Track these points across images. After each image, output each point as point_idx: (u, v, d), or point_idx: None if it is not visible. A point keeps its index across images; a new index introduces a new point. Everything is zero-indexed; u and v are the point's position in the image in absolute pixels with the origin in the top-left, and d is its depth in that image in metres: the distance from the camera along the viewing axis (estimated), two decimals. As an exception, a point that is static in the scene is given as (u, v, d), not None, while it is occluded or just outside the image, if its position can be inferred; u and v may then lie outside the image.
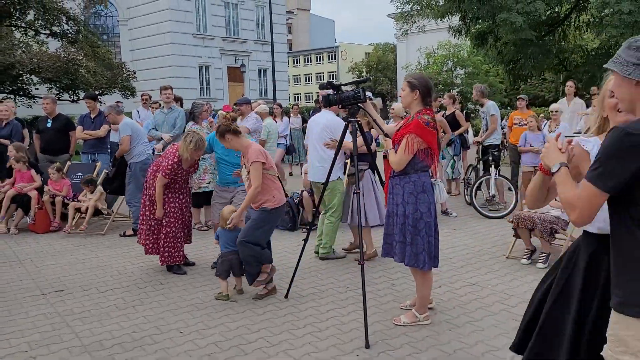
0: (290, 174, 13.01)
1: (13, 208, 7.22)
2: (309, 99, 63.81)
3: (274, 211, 4.56)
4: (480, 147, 8.57)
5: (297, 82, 70.39)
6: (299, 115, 14.39)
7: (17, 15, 16.75)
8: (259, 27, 34.87)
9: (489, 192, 8.10)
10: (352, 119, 4.30)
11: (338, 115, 5.81)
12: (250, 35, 34.42)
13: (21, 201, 7.20)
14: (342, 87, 4.41)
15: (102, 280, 5.21)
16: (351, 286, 4.88)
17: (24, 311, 4.44)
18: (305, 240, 4.69)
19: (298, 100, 63.18)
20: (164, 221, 5.28)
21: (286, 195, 7.54)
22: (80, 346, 3.76)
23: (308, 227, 4.84)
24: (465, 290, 4.70)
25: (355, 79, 4.63)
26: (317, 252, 5.82)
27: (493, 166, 8.00)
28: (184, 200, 5.42)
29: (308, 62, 69.82)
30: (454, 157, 9.06)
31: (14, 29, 18.03)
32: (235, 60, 33.08)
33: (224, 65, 33.21)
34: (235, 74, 33.24)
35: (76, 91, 17.41)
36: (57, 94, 17.48)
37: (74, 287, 5.02)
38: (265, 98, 28.63)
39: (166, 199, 5.29)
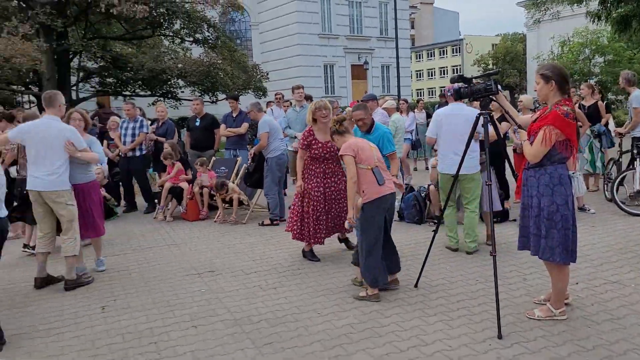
0: (415, 169, 13.06)
1: (169, 198, 8.13)
2: (432, 94, 62.64)
3: (366, 207, 4.54)
4: (623, 139, 8.00)
5: (420, 77, 69.40)
6: (424, 111, 14.35)
7: (165, 25, 18.53)
8: (382, 24, 35.04)
9: (634, 188, 7.55)
10: (484, 112, 4.33)
11: None
12: (374, 33, 34.70)
13: (175, 192, 8.09)
14: (474, 80, 4.46)
15: (246, 264, 5.74)
16: (481, 279, 4.90)
17: (183, 287, 5.06)
18: (435, 231, 4.81)
19: (421, 95, 62.30)
20: (304, 202, 5.67)
21: (412, 190, 7.70)
22: (232, 320, 4.23)
23: (435, 220, 4.94)
24: (605, 288, 4.51)
25: (487, 72, 4.63)
26: (449, 247, 5.89)
27: (638, 160, 7.44)
28: (327, 185, 5.61)
29: (431, 56, 68.54)
30: (602, 150, 8.54)
31: (163, 38, 19.96)
32: (359, 58, 33.57)
33: (347, 63, 33.87)
34: (359, 72, 33.75)
35: (215, 93, 18.89)
36: (199, 96, 19.09)
37: (223, 269, 5.59)
38: (388, 94, 28.73)
39: (307, 179, 5.66)
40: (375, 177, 4.51)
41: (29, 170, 5.06)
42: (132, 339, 3.94)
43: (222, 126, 8.88)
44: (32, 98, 22.58)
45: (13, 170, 7.17)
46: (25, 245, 6.40)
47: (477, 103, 4.83)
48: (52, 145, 4.98)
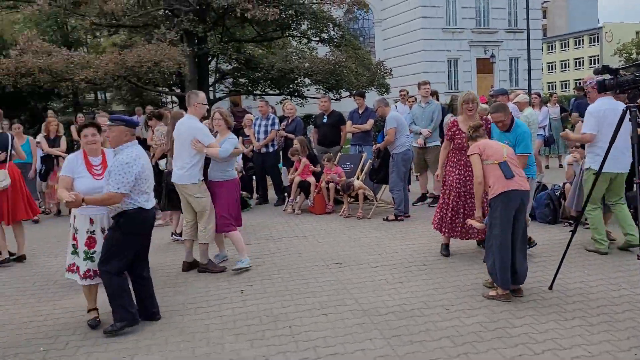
0: (547, 166, 12.32)
1: (298, 192, 8.51)
2: (565, 87, 58.41)
3: (492, 202, 4.44)
4: None
5: (552, 69, 65.02)
6: (558, 105, 13.49)
7: (293, 26, 19.31)
8: (510, 15, 33.38)
9: None
10: (632, 105, 4.03)
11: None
12: (501, 24, 33.17)
13: (303, 186, 8.45)
14: (620, 71, 4.16)
15: (372, 257, 5.86)
16: (625, 284, 4.57)
17: (313, 277, 5.30)
18: (573, 232, 4.57)
19: (552, 88, 58.32)
20: (445, 193, 5.73)
21: (544, 188, 7.31)
22: (360, 310, 4.37)
23: (571, 221, 4.68)
24: None
25: (635, 62, 4.30)
26: (597, 250, 5.55)
27: None
28: (468, 178, 5.51)
29: (565, 47, 63.91)
30: None
31: (291, 38, 20.82)
32: (485, 51, 32.30)
33: (472, 57, 32.74)
34: (485, 65, 32.47)
35: (339, 90, 19.31)
36: (325, 93, 19.62)
37: (350, 261, 5.76)
38: (517, 88, 27.32)
39: (448, 171, 5.72)
40: (502, 171, 4.40)
41: (173, 164, 5.66)
42: (268, 321, 4.23)
43: (348, 122, 9.08)
44: (175, 98, 24.74)
45: (162, 163, 7.97)
46: (173, 233, 7.07)
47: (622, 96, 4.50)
48: (184, 142, 5.47)
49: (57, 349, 3.91)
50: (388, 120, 7.52)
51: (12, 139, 6.61)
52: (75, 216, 4.26)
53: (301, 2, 17.38)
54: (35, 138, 9.14)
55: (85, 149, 4.33)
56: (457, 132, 5.70)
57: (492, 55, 31.50)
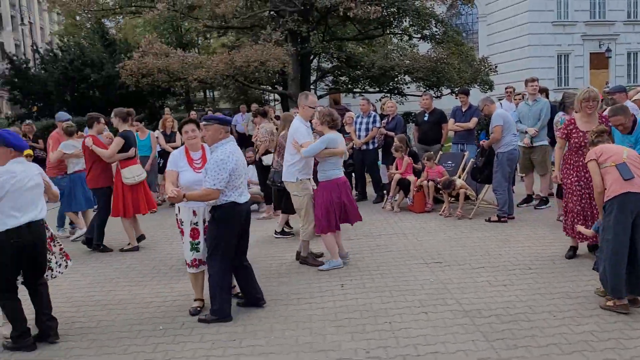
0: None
1: (397, 190, 8.51)
2: (697, 83, 52.83)
3: (607, 205, 4.21)
4: None
5: (680, 63, 59.07)
6: (686, 103, 12.29)
7: (395, 23, 19.22)
8: (630, 6, 30.82)
9: None
10: None
11: None
12: (619, 16, 30.72)
13: (403, 184, 8.44)
14: None
15: (473, 258, 5.75)
16: None
17: (412, 275, 5.30)
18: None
19: (680, 85, 53.00)
20: (566, 196, 5.55)
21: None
22: (461, 311, 4.33)
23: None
24: None
25: None
26: None
27: None
28: (589, 179, 5.11)
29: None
30: None
31: (392, 36, 20.74)
32: (600, 45, 30.10)
33: (585, 51, 30.64)
34: (599, 60, 30.27)
35: (440, 88, 18.94)
36: (424, 91, 19.36)
37: (450, 261, 5.69)
38: (636, 85, 25.19)
39: (565, 173, 5.52)
40: (619, 172, 4.16)
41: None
42: (368, 316, 4.32)
43: (451, 120, 8.92)
44: (277, 96, 25.56)
45: (266, 159, 8.32)
46: (276, 231, 7.26)
47: None
48: (288, 141, 5.78)
49: (174, 329, 4.26)
50: (494, 117, 7.30)
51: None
52: (179, 208, 4.52)
53: (406, -1, 17.25)
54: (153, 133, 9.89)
55: (186, 145, 4.62)
56: (573, 131, 5.45)
57: (608, 50, 29.31)
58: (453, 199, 8.05)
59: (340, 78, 22.81)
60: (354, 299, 4.72)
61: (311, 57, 19.36)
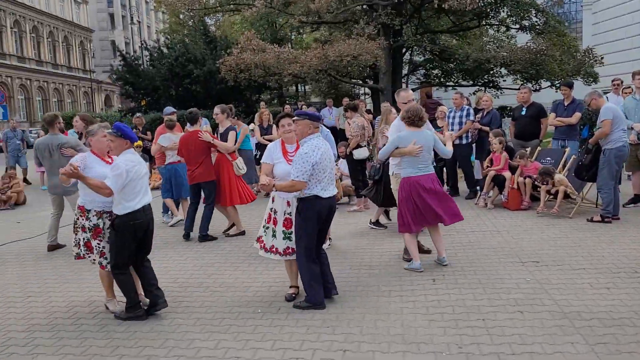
0: None
1: (491, 186, 8.29)
2: None
3: None
4: None
5: None
6: None
7: (491, 14, 18.56)
8: None
9: None
10: None
11: None
12: None
13: (498, 180, 8.21)
14: None
15: (573, 259, 5.51)
16: None
17: (507, 273, 5.18)
18: None
19: None
20: None
21: None
22: (559, 312, 4.19)
23: None
24: None
25: None
26: None
27: None
28: None
29: None
30: None
31: (488, 27, 20.06)
32: None
33: None
34: None
35: (538, 80, 18.06)
36: (521, 84, 18.55)
37: (548, 261, 5.50)
38: None
39: None
40: None
41: None
42: (461, 312, 4.30)
43: (552, 115, 8.54)
44: (367, 90, 25.59)
45: (357, 153, 8.42)
46: (371, 221, 7.37)
47: None
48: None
49: (271, 312, 4.48)
50: (603, 111, 6.88)
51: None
52: (274, 199, 4.72)
53: (504, -12, 16.59)
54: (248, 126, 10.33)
55: (282, 138, 4.83)
56: None
57: None
58: (551, 196, 7.72)
59: (433, 71, 22.43)
60: (445, 294, 4.71)
61: (403, 51, 19.18)
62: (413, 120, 5.41)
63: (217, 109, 7.44)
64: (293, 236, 4.59)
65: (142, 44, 24.16)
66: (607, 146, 6.89)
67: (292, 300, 4.71)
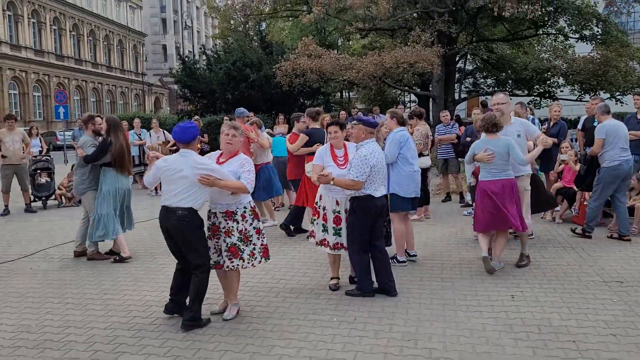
0: None
1: (560, 200, 7.98)
2: None
3: None
4: None
5: None
6: None
7: (549, 23, 18.05)
8: None
9: None
10: None
11: None
12: None
13: (567, 194, 7.91)
14: None
15: (660, 281, 5.23)
16: None
17: (591, 293, 4.92)
18: None
19: None
20: None
21: None
22: (656, 337, 3.95)
23: None
24: None
25: None
26: None
27: None
28: None
29: None
30: None
31: (545, 36, 19.52)
32: None
33: None
34: None
35: (597, 92, 17.40)
36: (579, 96, 17.95)
37: (633, 281, 5.21)
38: None
39: None
40: None
41: None
42: (547, 332, 4.10)
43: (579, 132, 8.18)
44: (414, 97, 25.32)
45: (419, 162, 8.25)
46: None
47: None
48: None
49: (348, 322, 4.39)
50: (597, 129, 6.84)
51: None
52: (321, 197, 5.11)
53: (565, -3, 16.07)
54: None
55: (331, 143, 5.18)
56: None
57: None
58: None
59: (484, 80, 21.98)
60: (528, 312, 4.52)
61: (456, 59, 18.87)
62: (487, 128, 5.68)
63: (305, 113, 7.71)
64: (342, 232, 5.00)
65: (201, 48, 24.62)
66: (603, 164, 6.73)
67: (336, 289, 5.15)
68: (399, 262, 5.91)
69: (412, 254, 6.11)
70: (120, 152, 6.27)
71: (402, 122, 6.23)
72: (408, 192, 5.87)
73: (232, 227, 4.37)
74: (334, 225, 5.02)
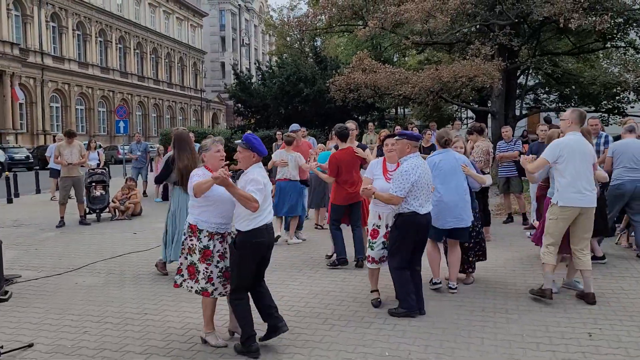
0: None
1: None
2: None
3: None
4: None
5: None
6: None
7: (618, 36, 17.05)
8: None
9: None
10: None
11: None
12: None
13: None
14: None
15: None
16: None
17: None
18: None
19: None
20: None
21: None
22: None
23: None
24: None
25: None
26: None
27: None
28: None
29: None
30: None
31: (614, 49, 18.46)
32: None
33: None
34: None
35: (671, 106, 16.21)
36: (653, 111, 16.74)
37: None
38: None
39: None
40: None
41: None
42: (634, 378, 3.55)
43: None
44: (470, 113, 24.49)
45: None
46: None
47: None
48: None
49: (400, 357, 3.98)
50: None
51: None
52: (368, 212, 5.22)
53: (637, 7, 15.08)
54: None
55: (386, 156, 5.17)
56: None
57: None
58: None
59: (546, 95, 20.97)
60: (610, 354, 3.96)
61: (517, 73, 18.06)
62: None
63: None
64: (375, 246, 5.00)
65: (256, 64, 24.79)
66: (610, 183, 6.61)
67: (379, 305, 5.02)
68: (432, 284, 5.53)
69: (452, 286, 5.48)
70: (186, 168, 5.62)
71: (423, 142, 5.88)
72: (441, 223, 5.31)
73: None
74: (369, 239, 5.07)
